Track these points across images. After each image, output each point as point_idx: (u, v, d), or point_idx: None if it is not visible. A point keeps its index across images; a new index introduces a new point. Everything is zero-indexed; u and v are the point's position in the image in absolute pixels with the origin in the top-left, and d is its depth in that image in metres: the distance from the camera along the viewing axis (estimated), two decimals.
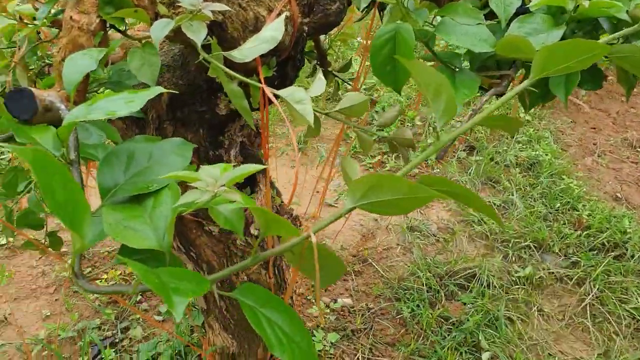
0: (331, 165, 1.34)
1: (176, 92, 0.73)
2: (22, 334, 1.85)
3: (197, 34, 0.55)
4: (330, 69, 1.35)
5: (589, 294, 1.85)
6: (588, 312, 1.80)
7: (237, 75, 0.60)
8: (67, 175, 0.41)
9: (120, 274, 1.98)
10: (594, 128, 2.96)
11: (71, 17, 0.60)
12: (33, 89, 0.56)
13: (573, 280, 1.91)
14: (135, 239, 0.48)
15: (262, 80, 0.59)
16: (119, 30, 0.66)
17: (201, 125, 1.01)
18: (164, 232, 0.49)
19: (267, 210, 0.43)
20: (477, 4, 0.67)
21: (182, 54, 0.92)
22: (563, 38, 0.59)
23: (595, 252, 2.04)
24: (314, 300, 1.77)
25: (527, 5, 0.63)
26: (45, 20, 0.90)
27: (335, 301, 1.82)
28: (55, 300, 1.95)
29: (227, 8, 0.58)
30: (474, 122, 0.52)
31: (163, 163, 0.54)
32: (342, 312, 1.78)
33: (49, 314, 1.88)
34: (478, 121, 0.52)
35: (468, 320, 1.68)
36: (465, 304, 1.78)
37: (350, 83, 1.37)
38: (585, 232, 2.11)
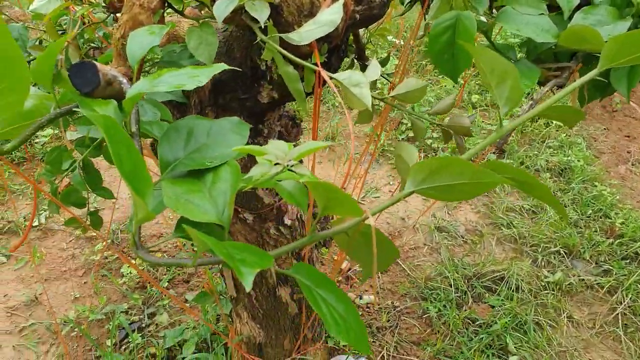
0: (367, 163, 1.33)
1: (239, 69, 0.73)
2: (52, 314, 1.89)
3: (261, 13, 0.55)
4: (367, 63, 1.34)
5: (620, 303, 1.81)
6: (620, 321, 1.76)
7: (294, 58, 0.60)
8: (133, 146, 0.41)
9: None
10: (628, 136, 2.90)
11: None
12: (96, 63, 0.57)
13: (605, 288, 1.87)
14: (195, 213, 0.49)
15: (319, 64, 0.59)
16: (176, 10, 0.67)
17: (242, 113, 1.01)
18: (224, 207, 0.49)
19: (331, 184, 0.42)
20: None
21: (227, 41, 0.93)
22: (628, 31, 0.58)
23: (628, 260, 1.99)
24: None
25: None
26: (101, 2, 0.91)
27: (361, 297, 1.81)
28: (84, 283, 1.98)
29: None
30: (536, 112, 0.51)
31: (221, 140, 0.54)
32: (367, 309, 1.78)
33: (78, 295, 1.92)
34: (541, 111, 0.51)
35: (496, 323, 1.66)
36: (493, 306, 1.75)
37: (389, 78, 1.36)
38: (618, 241, 2.06)
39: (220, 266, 1.41)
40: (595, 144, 2.79)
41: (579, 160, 2.47)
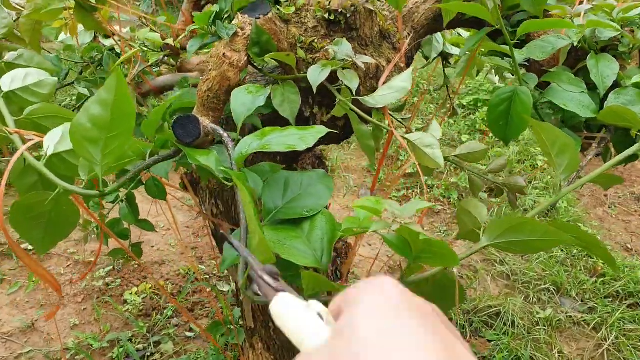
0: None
1: (336, 131, 0.79)
2: (49, 341, 1.88)
3: (351, 82, 0.63)
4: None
5: (606, 340, 1.92)
6: (605, 357, 1.86)
7: (370, 118, 0.68)
8: (248, 196, 0.48)
9: (151, 287, 2.02)
10: None
11: (224, 54, 0.68)
12: (198, 116, 0.63)
13: (591, 325, 1.98)
14: (298, 257, 0.55)
15: (391, 125, 0.67)
16: (257, 68, 0.74)
17: (280, 154, 1.08)
18: (322, 253, 0.56)
19: (427, 236, 0.50)
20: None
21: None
22: None
23: (611, 299, 2.11)
24: None
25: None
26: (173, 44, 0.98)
27: None
28: (84, 309, 1.98)
29: (373, 61, 0.66)
30: (589, 179, 0.60)
31: (312, 191, 0.61)
32: None
33: (77, 322, 1.91)
34: (595, 177, 0.60)
35: (494, 357, 1.73)
36: (490, 341, 1.83)
37: (404, 123, 1.45)
38: (601, 280, 2.18)
39: (242, 297, 1.46)
40: None
41: (563, 202, 2.61)
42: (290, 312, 0.29)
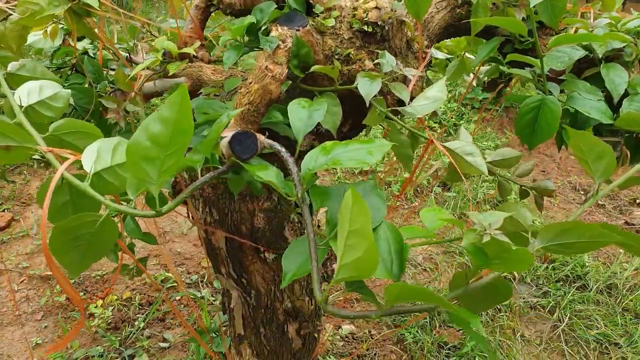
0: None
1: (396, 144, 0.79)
2: None
3: (403, 93, 0.64)
4: None
5: (561, 321, 2.07)
6: (561, 337, 2.01)
7: (410, 128, 0.70)
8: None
9: (117, 298, 1.94)
10: (544, 171, 3.29)
11: (266, 67, 0.68)
12: (255, 133, 0.62)
13: (546, 308, 2.12)
14: None
15: (430, 135, 0.70)
16: (293, 79, 0.74)
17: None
18: (391, 264, 0.57)
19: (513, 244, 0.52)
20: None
21: (292, 97, 1.00)
22: None
23: (561, 283, 2.27)
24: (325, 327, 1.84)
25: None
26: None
27: (339, 327, 1.89)
28: (45, 327, 1.86)
29: (420, 73, 0.68)
30: (618, 183, 0.65)
31: (368, 203, 0.62)
32: (347, 339, 1.86)
33: (39, 342, 1.80)
34: (623, 182, 0.65)
35: (465, 345, 1.82)
36: (458, 330, 1.92)
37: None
38: (551, 265, 2.35)
39: (232, 306, 1.44)
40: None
41: (512, 195, 2.77)
42: None
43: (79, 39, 1.27)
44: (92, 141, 0.65)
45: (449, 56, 1.13)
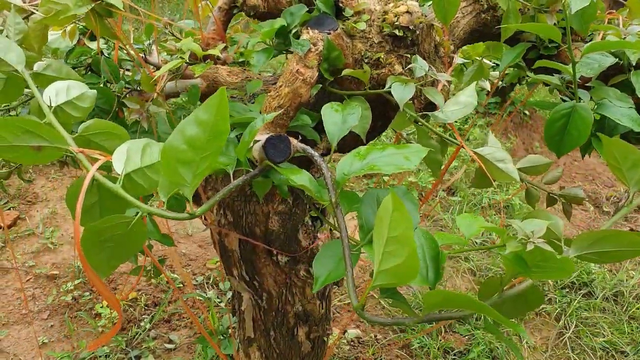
0: None
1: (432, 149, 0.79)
2: None
3: (436, 97, 0.64)
4: None
5: (567, 328, 2.06)
6: (568, 344, 2.00)
7: (440, 133, 0.69)
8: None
9: (121, 299, 1.93)
10: None
11: (297, 70, 0.67)
12: (288, 137, 0.62)
13: (552, 315, 2.12)
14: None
15: (461, 141, 0.69)
16: (322, 82, 0.73)
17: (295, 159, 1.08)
18: (427, 270, 0.57)
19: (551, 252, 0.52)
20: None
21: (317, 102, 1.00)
22: None
23: (567, 290, 2.27)
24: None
25: None
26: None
27: (345, 332, 1.89)
28: (51, 326, 1.85)
29: (450, 78, 0.67)
30: None
31: None
32: (352, 343, 1.85)
33: (46, 341, 1.78)
34: None
35: (472, 351, 1.82)
36: (463, 335, 1.92)
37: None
38: None
39: (243, 308, 1.43)
40: None
41: (517, 198, 2.77)
42: None
43: (92, 39, 1.26)
44: (117, 142, 0.64)
45: (466, 61, 1.13)
